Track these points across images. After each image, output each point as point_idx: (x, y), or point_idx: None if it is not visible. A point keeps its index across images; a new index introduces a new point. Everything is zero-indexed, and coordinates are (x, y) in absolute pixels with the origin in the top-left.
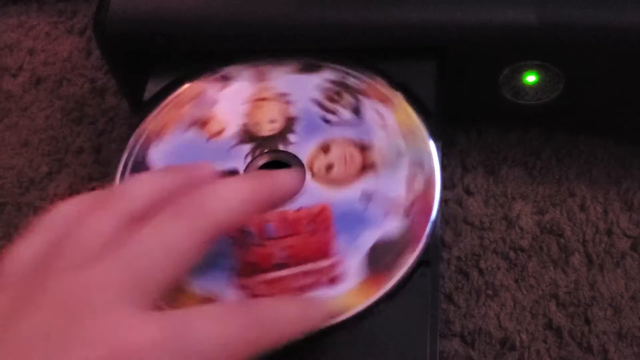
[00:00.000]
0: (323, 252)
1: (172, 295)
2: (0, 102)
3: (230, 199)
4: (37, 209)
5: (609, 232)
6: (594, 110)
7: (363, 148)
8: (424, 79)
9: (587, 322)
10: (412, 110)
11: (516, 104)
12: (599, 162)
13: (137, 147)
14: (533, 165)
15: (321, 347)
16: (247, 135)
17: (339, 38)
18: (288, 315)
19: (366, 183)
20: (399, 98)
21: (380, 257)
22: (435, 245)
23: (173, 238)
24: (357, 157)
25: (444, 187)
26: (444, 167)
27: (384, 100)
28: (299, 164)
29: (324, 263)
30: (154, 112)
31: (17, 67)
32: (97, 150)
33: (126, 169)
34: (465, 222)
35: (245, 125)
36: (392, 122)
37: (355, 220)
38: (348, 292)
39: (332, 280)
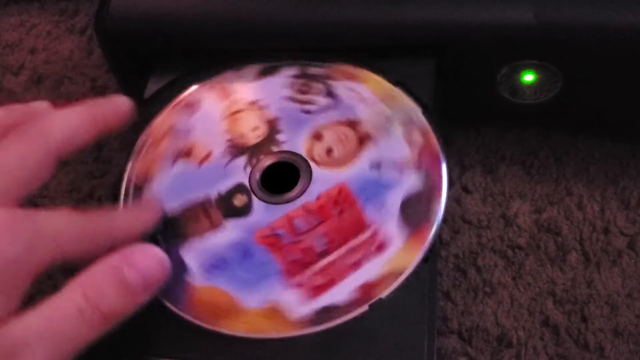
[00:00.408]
0: (358, 226)
1: (233, 314)
2: (1, 100)
3: (64, 120)
4: (38, 207)
5: (606, 231)
6: (592, 109)
7: (352, 124)
8: (422, 78)
9: (584, 319)
10: (380, 77)
11: (514, 103)
12: (596, 161)
13: (130, 193)
14: (531, 164)
15: (319, 343)
16: (237, 149)
17: (338, 37)
18: (123, 222)
19: (370, 154)
20: (364, 72)
21: (412, 212)
22: (433, 243)
23: (16, 159)
24: (351, 134)
25: None
26: None
27: (351, 77)
28: (301, 158)
29: (363, 236)
30: (134, 156)
31: (18, 66)
32: (98, 148)
33: None
34: (463, 220)
35: (230, 140)
36: (368, 93)
37: (375, 189)
38: (396, 254)
39: (379, 248)
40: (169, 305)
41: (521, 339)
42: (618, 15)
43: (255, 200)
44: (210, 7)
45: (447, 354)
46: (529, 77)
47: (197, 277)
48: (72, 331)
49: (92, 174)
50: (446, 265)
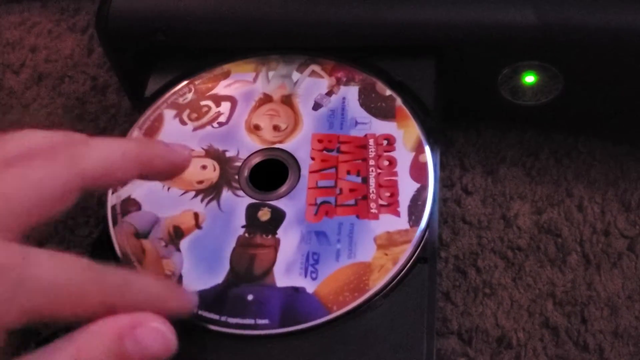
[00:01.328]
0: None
1: None
2: (2, 98)
3: (102, 151)
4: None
5: (606, 233)
6: (593, 111)
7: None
8: (423, 79)
9: (584, 321)
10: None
11: (515, 105)
12: (597, 162)
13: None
14: (531, 166)
15: (318, 343)
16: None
17: (339, 36)
18: (147, 289)
19: None
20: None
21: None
22: (433, 243)
23: (38, 177)
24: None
25: (443, 186)
26: (442, 167)
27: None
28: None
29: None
30: None
31: (19, 64)
32: None
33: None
34: (463, 221)
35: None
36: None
37: None
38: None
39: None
40: None
41: (521, 340)
42: (619, 16)
43: None
44: (210, 5)
45: (447, 354)
46: (530, 79)
47: None
48: None
49: None
50: (446, 266)
